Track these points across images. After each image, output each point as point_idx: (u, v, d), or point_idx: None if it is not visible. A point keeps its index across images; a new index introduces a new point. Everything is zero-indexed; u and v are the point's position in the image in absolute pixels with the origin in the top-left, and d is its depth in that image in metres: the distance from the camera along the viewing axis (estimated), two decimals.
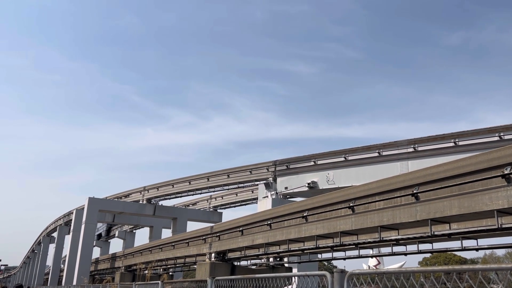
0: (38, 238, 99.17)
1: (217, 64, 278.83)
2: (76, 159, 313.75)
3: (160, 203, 57.65)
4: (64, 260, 67.27)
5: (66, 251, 65.11)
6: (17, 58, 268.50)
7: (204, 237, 31.09)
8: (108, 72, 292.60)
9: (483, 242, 16.41)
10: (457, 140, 30.37)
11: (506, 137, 28.26)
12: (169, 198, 56.89)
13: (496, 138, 28.65)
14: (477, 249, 16.54)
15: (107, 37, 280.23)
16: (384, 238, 17.73)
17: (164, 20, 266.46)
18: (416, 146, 32.25)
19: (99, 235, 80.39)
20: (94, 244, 67.40)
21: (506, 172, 12.85)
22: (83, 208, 55.39)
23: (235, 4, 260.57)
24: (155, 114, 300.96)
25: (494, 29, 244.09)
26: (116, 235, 79.73)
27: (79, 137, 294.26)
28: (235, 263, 29.58)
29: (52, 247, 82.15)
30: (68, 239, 63.71)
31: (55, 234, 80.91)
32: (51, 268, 75.87)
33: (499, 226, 13.57)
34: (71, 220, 62.88)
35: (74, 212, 60.52)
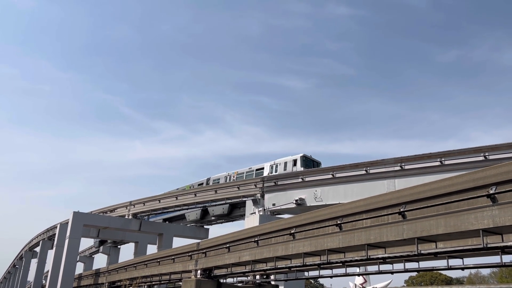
0: (20, 252, 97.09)
1: (210, 77, 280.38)
2: (62, 172, 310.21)
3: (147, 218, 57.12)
4: (46, 276, 65.83)
5: (48, 266, 63.82)
6: (4, 68, 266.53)
7: (190, 254, 30.76)
8: (99, 83, 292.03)
9: (469, 261, 16.49)
10: (443, 159, 30.72)
11: (491, 157, 28.66)
12: (155, 214, 56.37)
13: (482, 158, 29.04)
14: (462, 268, 16.62)
15: (99, 48, 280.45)
16: (371, 256, 17.72)
17: (158, 32, 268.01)
18: (403, 164, 32.53)
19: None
20: (78, 260, 66.17)
21: (491, 192, 13.02)
22: (67, 223, 54.50)
23: (231, 17, 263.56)
24: (145, 127, 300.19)
25: (487, 48, 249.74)
26: (101, 250, 78.44)
27: (66, 149, 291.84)
28: (221, 280, 29.23)
29: (34, 262, 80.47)
30: (51, 254, 62.47)
31: (37, 249, 79.29)
32: (32, 283, 74.16)
33: (485, 246, 13.68)
34: (54, 234, 61.77)
35: (58, 226, 59.48)
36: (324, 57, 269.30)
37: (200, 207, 51.35)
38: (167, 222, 61.60)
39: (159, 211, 54.49)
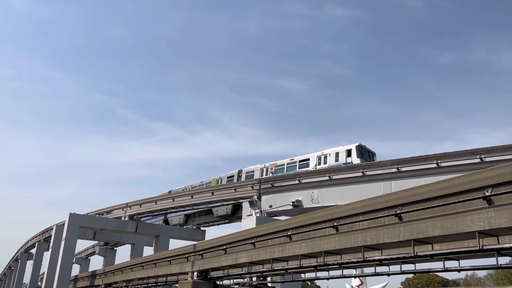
0: (15, 254, 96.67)
1: (207, 79, 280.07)
2: (58, 173, 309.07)
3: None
4: (42, 278, 65.58)
5: (44, 268, 63.51)
6: (2, 68, 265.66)
7: (186, 255, 30.70)
8: (96, 84, 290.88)
9: (465, 263, 16.53)
10: (440, 161, 30.82)
11: (487, 159, 28.79)
12: (152, 215, 56.25)
13: (478, 160, 29.16)
14: (459, 270, 16.67)
15: (96, 49, 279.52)
16: (368, 258, 17.74)
17: (155, 33, 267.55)
18: (400, 166, 32.60)
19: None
20: (74, 261, 65.94)
21: (487, 194, 13.07)
22: (63, 224, 54.31)
23: (228, 18, 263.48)
24: (142, 128, 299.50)
25: (484, 50, 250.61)
26: (97, 252, 78.25)
27: (62, 150, 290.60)
28: (218, 282, 29.20)
29: (30, 264, 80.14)
30: (47, 255, 62.25)
31: (33, 251, 79.05)
32: (28, 285, 73.91)
33: (481, 248, 13.72)
34: (50, 236, 61.57)
35: (54, 228, 59.32)
36: (321, 58, 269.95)
37: (197, 209, 51.28)
38: (161, 222, 61.53)
39: (156, 213, 54.37)
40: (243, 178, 51.36)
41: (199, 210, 53.77)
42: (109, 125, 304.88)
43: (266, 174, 48.70)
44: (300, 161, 46.41)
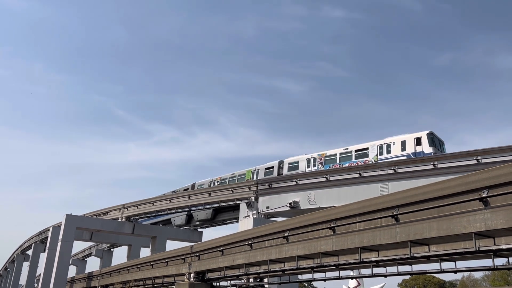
0: (11, 255, 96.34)
1: (205, 80, 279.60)
2: (55, 174, 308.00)
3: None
4: (38, 279, 65.34)
5: (40, 269, 63.34)
6: None
7: (183, 257, 30.66)
8: (93, 85, 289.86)
9: (461, 264, 16.59)
10: (436, 162, 30.91)
11: (484, 160, 28.88)
12: (149, 217, 56.15)
13: (474, 162, 29.25)
14: (455, 271, 16.72)
15: (93, 50, 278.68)
16: (365, 260, 17.76)
17: (152, 34, 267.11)
18: (397, 168, 32.69)
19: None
20: (70, 263, 65.78)
21: (483, 195, 13.11)
22: (60, 226, 54.18)
23: (226, 19, 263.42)
24: (139, 129, 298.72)
25: (481, 52, 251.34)
26: (93, 253, 78.05)
27: (59, 151, 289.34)
28: (215, 284, 29.17)
29: (26, 265, 79.91)
30: (43, 257, 62.04)
31: (29, 252, 78.78)
32: (24, 287, 73.63)
33: (477, 249, 13.75)
34: (47, 237, 61.38)
35: (51, 229, 59.12)
36: (319, 60, 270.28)
37: (194, 210, 51.18)
38: (160, 225, 61.40)
39: (153, 214, 54.28)
40: (285, 170, 46.28)
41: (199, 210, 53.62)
42: (106, 126, 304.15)
43: (314, 166, 43.88)
44: (356, 150, 41.66)
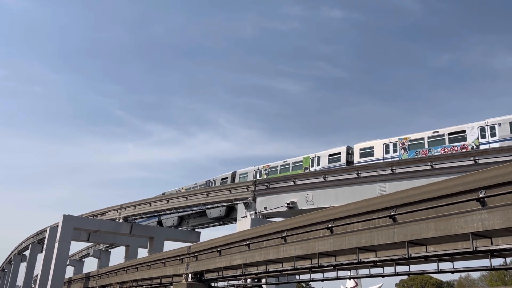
0: (8, 256, 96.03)
1: (204, 80, 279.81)
2: (53, 174, 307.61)
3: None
4: (36, 280, 65.18)
5: (38, 270, 63.13)
6: None
7: (181, 257, 30.63)
8: (91, 85, 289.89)
9: (459, 264, 16.61)
10: (433, 163, 30.95)
11: (481, 161, 28.95)
12: (147, 217, 56.07)
13: (471, 162, 29.32)
14: (453, 272, 16.73)
15: (92, 49, 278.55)
16: (362, 260, 17.77)
17: (151, 34, 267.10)
18: (394, 168, 32.72)
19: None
20: (68, 263, 65.61)
21: (480, 195, 13.13)
22: (57, 226, 54.03)
23: (225, 19, 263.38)
24: (138, 129, 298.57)
25: (480, 53, 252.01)
26: (91, 254, 77.90)
27: (57, 152, 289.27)
28: (212, 284, 29.15)
29: (23, 266, 79.68)
30: (40, 257, 61.87)
31: (27, 253, 78.55)
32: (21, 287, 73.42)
33: (474, 249, 13.78)
34: (44, 238, 61.22)
35: (48, 229, 58.98)
36: (318, 60, 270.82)
37: (191, 210, 51.13)
38: (158, 225, 61.35)
39: (150, 215, 54.20)
40: (356, 158, 41.18)
41: (193, 211, 53.53)
42: (105, 126, 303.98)
43: (394, 152, 38.71)
44: (450, 134, 35.79)
